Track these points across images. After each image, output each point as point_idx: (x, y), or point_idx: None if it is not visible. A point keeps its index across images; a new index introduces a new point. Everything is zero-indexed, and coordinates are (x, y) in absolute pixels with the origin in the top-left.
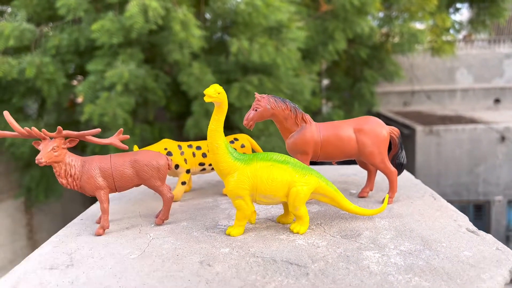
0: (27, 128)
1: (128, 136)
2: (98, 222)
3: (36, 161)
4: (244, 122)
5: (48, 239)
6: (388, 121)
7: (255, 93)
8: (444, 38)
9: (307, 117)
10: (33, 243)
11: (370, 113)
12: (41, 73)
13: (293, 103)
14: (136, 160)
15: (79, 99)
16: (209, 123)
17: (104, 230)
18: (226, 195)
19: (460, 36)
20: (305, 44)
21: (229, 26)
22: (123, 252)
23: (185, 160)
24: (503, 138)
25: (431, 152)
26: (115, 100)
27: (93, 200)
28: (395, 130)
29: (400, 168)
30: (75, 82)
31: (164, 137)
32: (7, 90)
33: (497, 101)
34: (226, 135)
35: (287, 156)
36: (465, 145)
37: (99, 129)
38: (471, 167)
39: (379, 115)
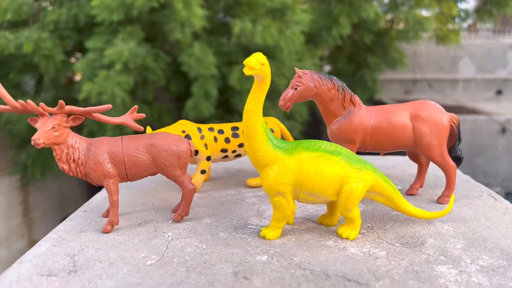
0: (21, 101)
1: (143, 115)
2: (105, 216)
3: (32, 142)
4: (280, 102)
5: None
6: None
7: (295, 68)
8: (449, 26)
9: (356, 98)
10: (29, 220)
11: (372, 100)
12: (38, 49)
13: (340, 81)
14: (153, 145)
15: (77, 77)
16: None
17: (113, 226)
18: (250, 187)
19: (465, 25)
20: (309, 27)
21: (232, 7)
22: (137, 256)
23: (206, 145)
24: (504, 130)
25: None
26: (114, 79)
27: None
28: (454, 118)
29: (457, 162)
30: (73, 60)
31: (163, 119)
32: (4, 65)
33: (499, 92)
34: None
35: (337, 145)
36: (466, 135)
37: (110, 105)
38: (470, 157)
39: (380, 103)
